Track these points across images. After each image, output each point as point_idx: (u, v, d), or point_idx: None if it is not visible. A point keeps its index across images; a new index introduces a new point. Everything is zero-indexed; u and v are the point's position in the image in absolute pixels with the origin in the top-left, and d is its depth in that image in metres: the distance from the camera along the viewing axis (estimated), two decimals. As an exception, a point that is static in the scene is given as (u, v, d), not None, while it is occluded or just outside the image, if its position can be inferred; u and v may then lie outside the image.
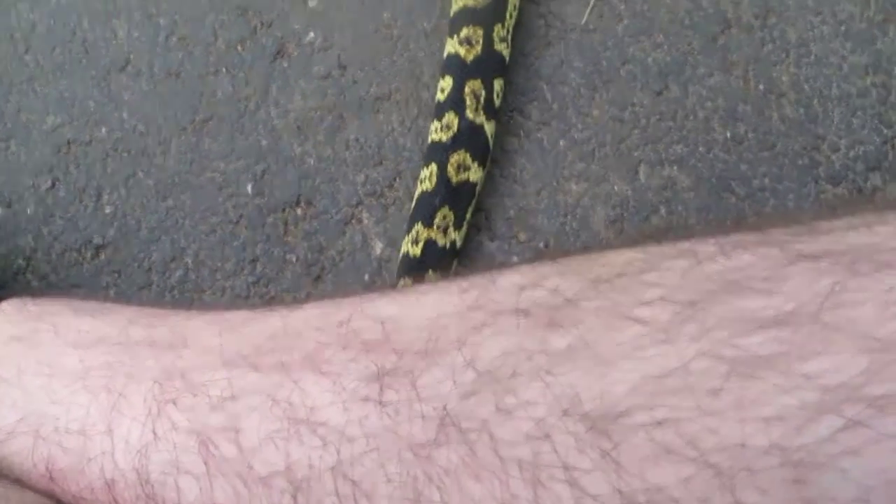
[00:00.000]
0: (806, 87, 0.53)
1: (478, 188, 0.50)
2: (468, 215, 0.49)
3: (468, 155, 0.49)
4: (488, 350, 0.28)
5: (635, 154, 0.52)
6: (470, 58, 0.50)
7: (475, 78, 0.50)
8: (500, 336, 0.28)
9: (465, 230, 0.49)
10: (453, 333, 0.29)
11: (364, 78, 0.53)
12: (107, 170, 0.53)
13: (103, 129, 0.54)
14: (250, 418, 0.31)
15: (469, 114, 0.50)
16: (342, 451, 0.29)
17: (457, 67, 0.50)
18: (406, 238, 0.49)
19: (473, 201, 0.50)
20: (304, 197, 0.52)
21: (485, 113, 0.50)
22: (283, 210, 0.52)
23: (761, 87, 0.53)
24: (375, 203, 0.52)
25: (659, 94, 0.53)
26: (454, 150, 0.49)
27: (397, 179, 0.52)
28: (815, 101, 0.53)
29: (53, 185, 0.54)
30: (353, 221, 0.51)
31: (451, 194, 0.48)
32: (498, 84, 0.51)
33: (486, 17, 0.50)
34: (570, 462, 0.24)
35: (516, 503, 0.25)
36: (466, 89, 0.50)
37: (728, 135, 0.52)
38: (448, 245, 0.48)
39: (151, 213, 0.53)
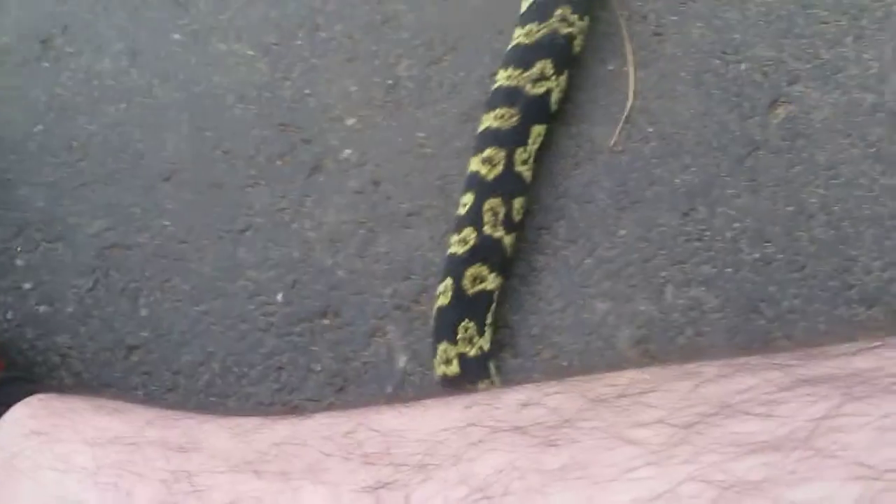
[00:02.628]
0: (836, 208, 0.53)
1: (496, 294, 0.50)
2: (488, 320, 0.50)
3: (485, 267, 0.50)
4: (482, 467, 0.28)
5: (662, 274, 0.52)
6: (490, 177, 0.52)
7: (495, 196, 0.51)
8: (495, 453, 0.28)
9: (488, 333, 0.50)
10: (451, 448, 0.30)
11: (396, 194, 0.55)
12: (145, 273, 0.55)
13: (145, 235, 0.56)
14: None
15: (487, 229, 0.51)
16: None
17: (478, 185, 0.52)
18: (436, 360, 0.49)
19: (493, 306, 0.50)
20: (332, 308, 0.53)
21: (504, 228, 0.51)
22: (311, 320, 0.53)
23: (790, 208, 0.53)
24: (401, 316, 0.52)
25: (686, 214, 0.53)
26: (470, 264, 0.50)
27: (424, 294, 0.53)
28: (846, 223, 0.52)
29: (94, 286, 0.56)
30: (379, 334, 0.52)
31: (468, 306, 0.49)
32: (518, 202, 0.52)
33: (509, 140, 0.52)
34: None
35: None
36: (486, 206, 0.51)
37: (756, 256, 0.52)
38: (478, 353, 0.49)
39: (184, 317, 0.54)
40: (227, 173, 0.57)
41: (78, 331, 0.55)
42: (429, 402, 0.35)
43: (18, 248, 0.57)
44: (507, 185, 0.52)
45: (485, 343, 0.49)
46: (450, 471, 0.29)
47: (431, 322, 0.50)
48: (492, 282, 0.50)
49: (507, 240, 0.51)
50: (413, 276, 0.53)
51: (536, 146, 0.54)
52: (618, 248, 0.53)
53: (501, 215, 0.51)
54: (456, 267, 0.50)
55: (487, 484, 0.28)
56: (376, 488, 0.30)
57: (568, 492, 0.26)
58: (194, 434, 0.38)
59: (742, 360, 0.29)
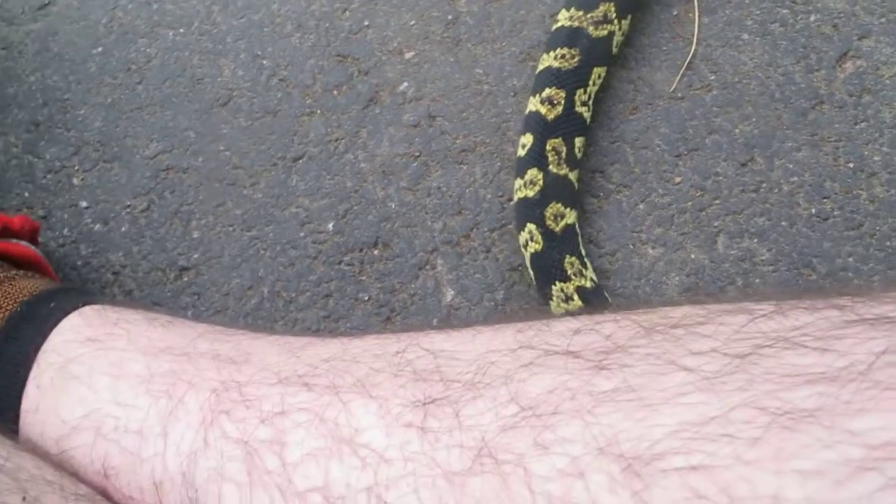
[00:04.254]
0: (899, 169, 0.51)
1: (577, 226, 0.50)
2: (583, 251, 0.50)
3: (560, 204, 0.50)
4: (533, 386, 0.28)
5: (715, 224, 0.51)
6: (551, 117, 0.51)
7: (556, 137, 0.51)
8: (546, 374, 0.28)
9: (589, 263, 0.50)
10: (502, 369, 0.30)
11: (451, 129, 0.55)
12: (199, 197, 0.56)
13: (200, 159, 0.57)
14: (296, 433, 0.32)
15: (553, 168, 0.50)
16: (379, 472, 0.29)
17: (538, 125, 0.51)
18: (552, 303, 0.49)
19: (579, 238, 0.50)
20: (381, 239, 0.53)
21: (567, 165, 0.51)
22: (361, 250, 0.53)
23: (851, 164, 0.52)
24: (451, 251, 0.52)
25: (744, 165, 0.52)
26: (546, 204, 0.50)
27: (474, 230, 0.53)
28: (909, 184, 0.51)
29: (148, 207, 0.56)
30: (427, 267, 0.52)
31: (562, 243, 0.49)
32: (579, 141, 0.51)
33: (569, 81, 0.51)
34: (599, 500, 0.24)
35: None
36: (548, 146, 0.51)
37: (813, 211, 0.51)
38: (592, 283, 0.49)
39: (235, 241, 0.55)
40: (283, 101, 0.57)
41: (131, 250, 0.56)
42: (480, 326, 0.35)
43: (76, 168, 0.58)
44: (567, 125, 0.51)
45: (591, 273, 0.50)
46: (500, 389, 0.29)
47: (531, 273, 0.49)
48: (570, 216, 0.50)
49: (573, 175, 0.51)
50: (465, 212, 0.53)
51: (596, 88, 0.53)
52: (672, 194, 0.52)
53: (564, 154, 0.51)
54: (532, 210, 0.50)
55: (537, 403, 0.28)
56: (426, 403, 0.30)
57: (617, 412, 0.26)
58: (245, 348, 0.38)
59: (796, 301, 0.28)
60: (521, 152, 0.51)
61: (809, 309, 0.27)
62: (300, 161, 0.56)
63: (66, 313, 0.43)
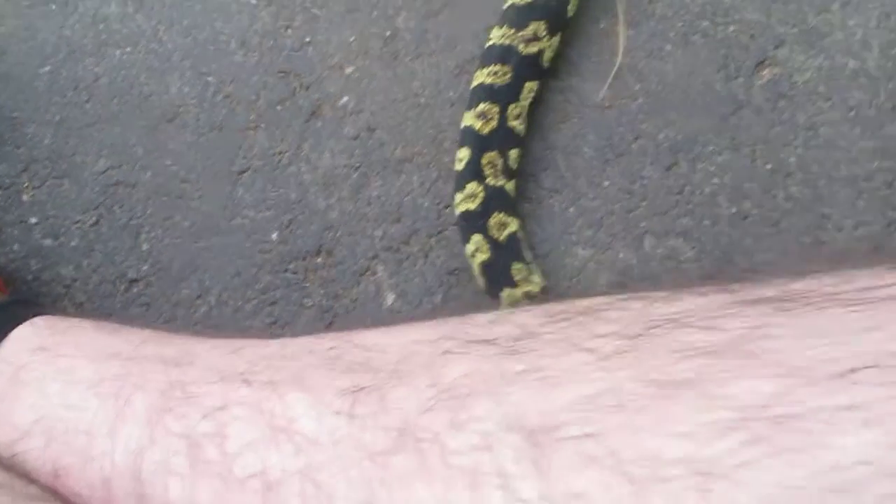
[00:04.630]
0: (814, 167, 0.55)
1: (520, 234, 0.53)
2: (528, 258, 0.52)
3: (502, 214, 0.52)
4: (451, 371, 0.31)
5: (642, 224, 0.54)
6: (485, 131, 0.54)
7: (491, 150, 0.53)
8: (463, 360, 0.31)
9: (536, 268, 0.53)
10: (424, 357, 0.32)
11: (390, 140, 0.57)
12: (147, 211, 0.58)
13: (148, 174, 0.58)
14: (236, 426, 0.34)
15: (490, 181, 0.53)
16: (311, 456, 0.31)
17: (473, 140, 0.54)
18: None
19: (524, 244, 0.53)
20: (324, 247, 0.55)
21: (504, 177, 0.53)
22: (304, 258, 0.55)
23: (769, 166, 0.55)
24: (390, 257, 0.54)
25: (668, 169, 0.55)
26: (489, 215, 0.52)
27: (413, 236, 0.55)
28: (822, 182, 0.54)
29: (98, 221, 0.58)
30: (369, 273, 0.54)
31: (508, 251, 0.51)
32: (514, 153, 0.54)
33: (502, 96, 0.54)
34: (505, 470, 0.26)
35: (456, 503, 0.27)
36: (484, 160, 0.53)
37: (734, 210, 0.54)
38: (540, 289, 0.51)
39: (183, 252, 0.56)
40: (228, 116, 0.59)
41: (81, 264, 0.57)
42: (409, 324, 0.37)
43: (25, 184, 0.60)
44: (502, 138, 0.54)
45: (539, 278, 0.52)
46: (421, 376, 0.31)
47: (480, 282, 0.52)
48: (513, 224, 0.53)
49: (509, 186, 0.54)
50: (404, 219, 0.55)
51: (529, 101, 0.55)
52: (601, 198, 0.55)
53: (500, 166, 0.53)
54: (476, 221, 0.52)
55: (454, 386, 0.30)
56: (354, 391, 0.32)
57: (525, 391, 0.28)
58: (189, 350, 0.40)
59: (694, 288, 0.31)
60: (459, 166, 0.54)
61: (701, 293, 0.30)
62: (245, 174, 0.58)
63: (17, 324, 0.45)
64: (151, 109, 0.60)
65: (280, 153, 0.58)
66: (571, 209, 0.55)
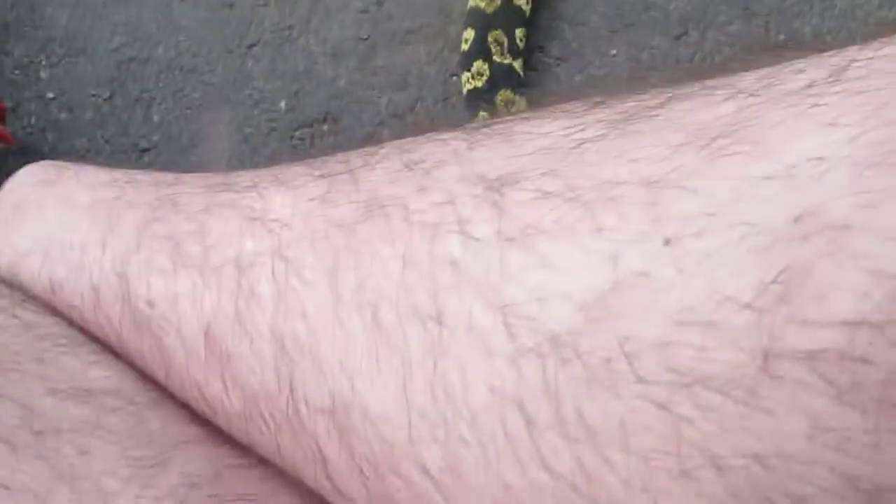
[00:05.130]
0: (829, 38, 0.53)
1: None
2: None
3: (509, 91, 0.52)
4: (421, 150, 0.31)
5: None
6: (490, 10, 0.53)
7: (496, 29, 0.53)
8: (434, 142, 0.31)
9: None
10: (400, 146, 0.32)
11: (398, 13, 0.57)
12: (159, 84, 0.59)
13: (160, 49, 0.59)
14: (215, 222, 0.34)
15: (497, 58, 0.53)
16: (282, 237, 0.31)
17: (479, 19, 0.53)
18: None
19: None
20: (331, 115, 0.56)
21: (511, 55, 0.53)
22: (311, 125, 0.56)
23: (782, 36, 0.54)
24: (396, 123, 0.55)
25: (678, 38, 0.54)
26: (495, 93, 0.52)
27: (419, 103, 0.55)
28: (836, 53, 0.53)
29: (111, 95, 0.59)
30: (374, 139, 0.55)
31: None
32: (519, 32, 0.54)
33: None
34: (464, 216, 0.26)
35: (416, 256, 0.27)
36: (490, 38, 0.53)
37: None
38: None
39: (193, 123, 0.57)
40: (239, -7, 0.60)
41: (95, 135, 0.58)
42: None
43: (43, 62, 0.61)
44: (507, 17, 0.54)
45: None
46: (394, 158, 0.32)
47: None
48: (521, 103, 0.52)
49: (517, 64, 0.53)
50: (409, 87, 0.55)
51: None
52: (608, 66, 0.54)
53: (506, 44, 0.53)
54: (483, 97, 0.52)
55: (424, 158, 0.30)
56: (330, 177, 0.33)
57: (489, 151, 0.29)
58: (183, 176, 0.41)
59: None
60: (465, 46, 0.54)
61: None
62: (255, 48, 0.58)
63: (25, 165, 0.46)
64: (165, -12, 0.61)
65: (289, 27, 0.58)
66: (578, 77, 0.54)
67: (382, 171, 0.32)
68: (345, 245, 0.30)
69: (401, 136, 0.50)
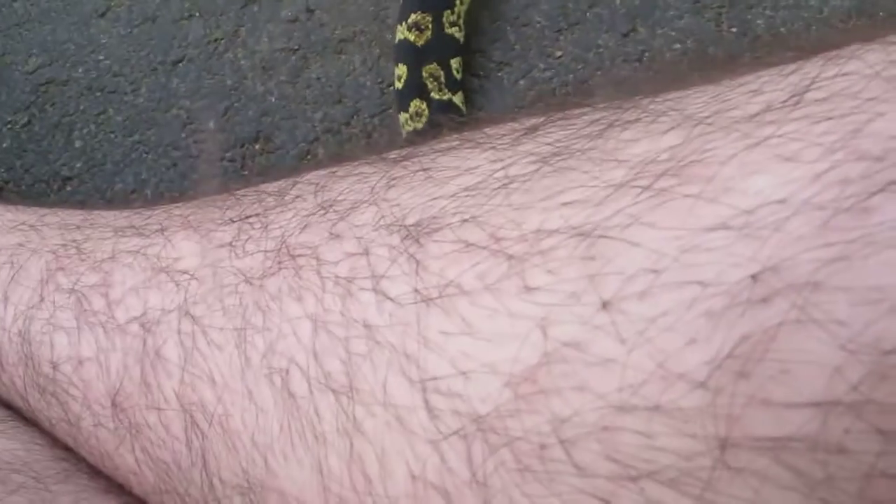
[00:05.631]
0: (783, 30, 0.51)
1: None
2: None
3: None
4: (337, 188, 0.28)
5: (598, 95, 0.51)
6: (421, 43, 0.50)
7: (430, 62, 0.50)
8: (352, 178, 0.28)
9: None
10: (314, 183, 0.29)
11: (330, 21, 0.54)
12: (80, 107, 0.55)
13: (80, 70, 0.56)
14: (121, 273, 0.31)
15: (435, 95, 0.49)
16: (190, 291, 0.28)
17: (409, 53, 0.50)
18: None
19: None
20: (263, 133, 0.52)
21: (449, 90, 0.50)
22: (243, 146, 0.52)
23: (734, 29, 0.51)
24: (331, 139, 0.52)
25: (625, 35, 0.52)
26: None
27: (354, 117, 0.52)
28: (793, 44, 0.51)
29: (29, 121, 0.55)
30: (309, 157, 0.51)
31: None
32: (455, 62, 0.50)
33: (435, 3, 0.50)
34: (378, 271, 0.24)
35: (328, 316, 0.24)
36: (424, 74, 0.50)
37: (697, 77, 0.50)
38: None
39: (118, 147, 0.54)
40: (162, 7, 0.56)
41: (14, 164, 0.55)
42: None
43: (-44, 89, 0.57)
44: (440, 48, 0.50)
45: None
46: (308, 198, 0.29)
47: None
48: (458, 105, 0.50)
49: (457, 99, 0.50)
50: (345, 100, 0.52)
51: (465, 6, 0.52)
52: (553, 69, 0.51)
53: (443, 78, 0.50)
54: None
55: (338, 200, 0.28)
56: (240, 220, 0.30)
57: (408, 192, 0.26)
58: (92, 216, 0.38)
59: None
60: (399, 84, 0.50)
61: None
62: (180, 64, 0.55)
63: None
64: (82, 5, 0.57)
65: (216, 40, 0.55)
66: (522, 82, 0.51)
67: (294, 214, 0.29)
68: (254, 301, 0.27)
69: (336, 154, 0.47)
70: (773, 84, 0.21)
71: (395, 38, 0.51)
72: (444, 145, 0.28)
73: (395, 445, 0.22)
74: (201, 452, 0.28)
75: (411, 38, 0.50)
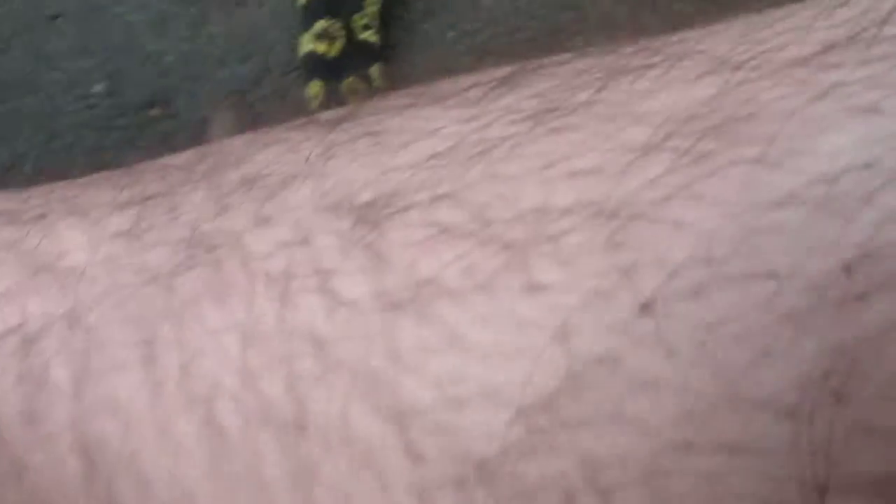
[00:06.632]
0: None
1: None
2: None
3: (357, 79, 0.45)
4: (261, 158, 0.23)
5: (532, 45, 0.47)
6: (332, 54, 0.45)
7: (347, 76, 0.45)
8: (277, 145, 0.23)
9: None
10: (234, 154, 0.24)
11: (231, -33, 0.48)
12: (-58, 72, 0.48)
13: (-61, 29, 0.48)
14: None
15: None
16: (80, 295, 0.23)
17: (321, 68, 0.45)
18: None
19: None
20: (160, 97, 0.47)
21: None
22: (137, 112, 0.46)
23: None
24: (239, 103, 0.46)
25: (559, -19, 0.48)
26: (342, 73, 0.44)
27: (265, 76, 0.47)
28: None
29: None
30: (214, 122, 0.46)
31: None
32: (375, 69, 0.46)
33: (342, 6, 0.45)
34: (325, 266, 0.19)
35: (261, 325, 0.19)
36: (344, 90, 0.45)
37: (635, 27, 0.47)
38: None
39: (-11, 118, 0.47)
40: (33, -47, 0.49)
41: None
42: None
43: None
44: (356, 59, 0.46)
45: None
46: (226, 172, 0.24)
47: None
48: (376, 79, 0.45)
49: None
50: (253, 57, 0.47)
51: (378, 6, 0.47)
52: (483, 20, 0.47)
53: (365, 90, 0.45)
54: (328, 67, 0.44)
55: (264, 174, 0.22)
56: (139, 203, 0.25)
57: (353, 163, 0.21)
58: None
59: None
60: (315, 105, 0.45)
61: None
62: (59, 19, 0.48)
63: None
64: (-62, -48, 0.49)
65: (99, -7, 0.48)
66: (450, 34, 0.47)
67: (208, 193, 0.24)
68: (163, 308, 0.22)
69: (243, 120, 0.41)
70: (829, 18, 0.17)
71: (297, 50, 0.46)
72: (393, 102, 0.23)
73: (365, 497, 0.17)
74: (105, 502, 0.22)
75: (320, 49, 0.45)
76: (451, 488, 0.15)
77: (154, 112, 0.46)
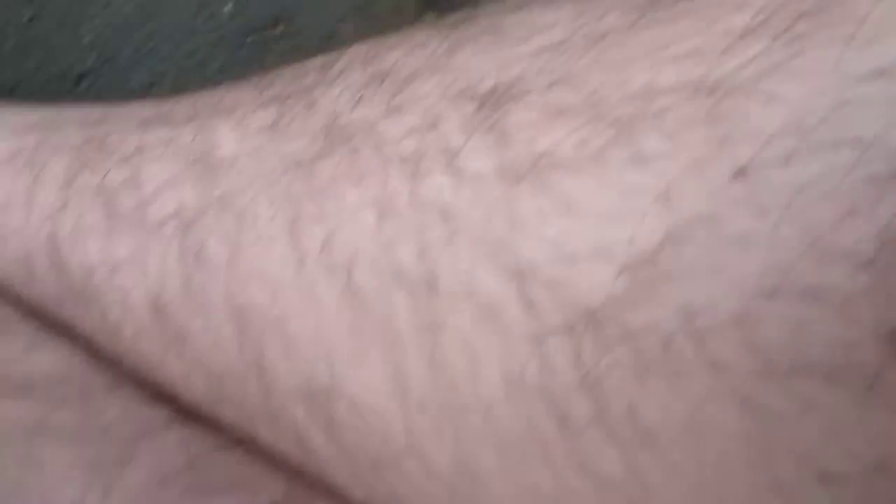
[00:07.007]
0: None
1: None
2: None
3: None
4: (390, 57, 0.25)
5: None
6: None
7: None
8: (405, 45, 0.25)
9: None
10: (365, 52, 0.26)
11: None
12: (84, -2, 0.51)
13: (84, -44, 0.51)
14: (151, 167, 0.28)
15: None
16: (230, 182, 0.26)
17: None
18: None
19: None
20: (284, 14, 0.49)
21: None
22: (264, 29, 0.49)
23: None
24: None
25: None
26: None
27: (384, -9, 0.48)
28: None
29: (32, 18, 0.51)
30: (337, 38, 0.48)
31: None
32: None
33: None
34: (453, 145, 0.21)
35: (394, 201, 0.21)
36: None
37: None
38: None
39: (130, 39, 0.50)
40: None
41: (22, 64, 0.51)
42: None
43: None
44: None
45: None
46: (358, 70, 0.26)
47: None
48: None
49: None
50: (371, -28, 0.48)
51: None
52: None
53: None
54: None
55: (393, 70, 0.25)
56: (280, 100, 0.27)
57: (476, 55, 0.24)
58: (114, 110, 0.35)
59: None
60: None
61: None
62: (188, -57, 0.50)
63: None
64: None
65: (224, -87, 0.50)
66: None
67: (343, 89, 0.26)
68: (305, 190, 0.24)
69: (367, 36, 0.43)
70: None
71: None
72: (508, 4, 0.24)
73: (486, 345, 0.19)
74: (256, 359, 0.25)
75: None
76: (562, 334, 0.17)
77: (278, 31, 0.48)
